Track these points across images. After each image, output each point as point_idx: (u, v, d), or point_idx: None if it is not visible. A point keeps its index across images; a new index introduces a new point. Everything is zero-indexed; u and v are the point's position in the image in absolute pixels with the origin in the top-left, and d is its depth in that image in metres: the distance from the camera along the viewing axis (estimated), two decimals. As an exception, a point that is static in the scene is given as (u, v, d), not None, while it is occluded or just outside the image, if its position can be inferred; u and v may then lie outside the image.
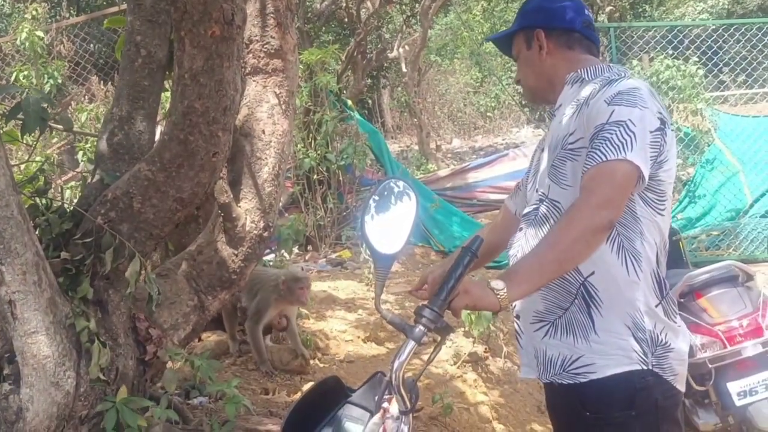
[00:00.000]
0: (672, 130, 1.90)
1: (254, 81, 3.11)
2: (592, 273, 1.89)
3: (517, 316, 2.09)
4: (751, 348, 3.85)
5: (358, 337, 4.60)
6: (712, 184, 8.17)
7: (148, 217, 2.58)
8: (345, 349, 4.40)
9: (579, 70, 2.05)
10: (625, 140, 1.77)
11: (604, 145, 1.78)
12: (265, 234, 3.06)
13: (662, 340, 1.88)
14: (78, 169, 6.31)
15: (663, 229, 1.92)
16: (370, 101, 19.67)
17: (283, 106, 3.13)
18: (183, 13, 2.41)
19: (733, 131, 8.28)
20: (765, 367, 3.83)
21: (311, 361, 3.95)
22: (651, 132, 1.82)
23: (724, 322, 3.87)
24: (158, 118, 3.02)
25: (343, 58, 9.47)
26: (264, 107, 3.10)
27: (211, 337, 4.10)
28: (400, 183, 1.97)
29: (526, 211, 2.08)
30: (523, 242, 2.04)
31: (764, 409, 3.73)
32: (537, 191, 2.04)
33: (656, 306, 1.89)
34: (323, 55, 7.11)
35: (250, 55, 3.08)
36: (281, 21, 3.06)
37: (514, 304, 2.05)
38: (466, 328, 4.46)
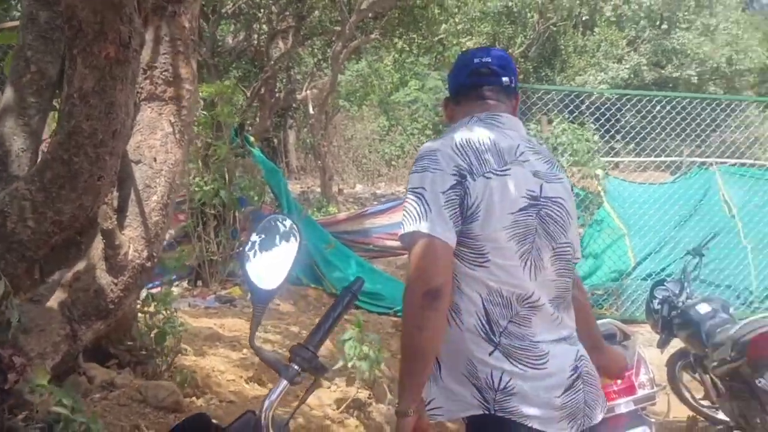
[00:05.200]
0: (487, 178, 1.95)
1: (149, 107, 3.05)
2: None
3: None
4: (624, 405, 3.96)
5: (241, 376, 4.48)
6: (600, 245, 8.48)
7: (21, 239, 2.47)
8: (226, 388, 4.28)
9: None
10: (417, 209, 1.91)
11: (404, 215, 1.93)
12: (148, 264, 2.97)
13: (501, 385, 1.92)
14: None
15: (490, 280, 1.95)
16: (276, 140, 19.63)
17: (178, 135, 3.08)
18: (77, 31, 2.35)
19: (621, 195, 8.64)
20: (635, 424, 3.94)
21: (187, 400, 3.81)
22: (443, 192, 1.91)
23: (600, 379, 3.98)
24: (44, 137, 2.92)
25: (249, 94, 9.42)
26: (158, 135, 3.04)
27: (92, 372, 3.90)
28: (287, 221, 1.95)
29: None
30: None
31: (633, 464, 3.83)
32: None
33: (491, 354, 1.94)
34: (223, 89, 7.05)
35: (147, 81, 3.02)
36: (182, 50, 3.02)
37: None
38: (351, 373, 4.42)
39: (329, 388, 4.60)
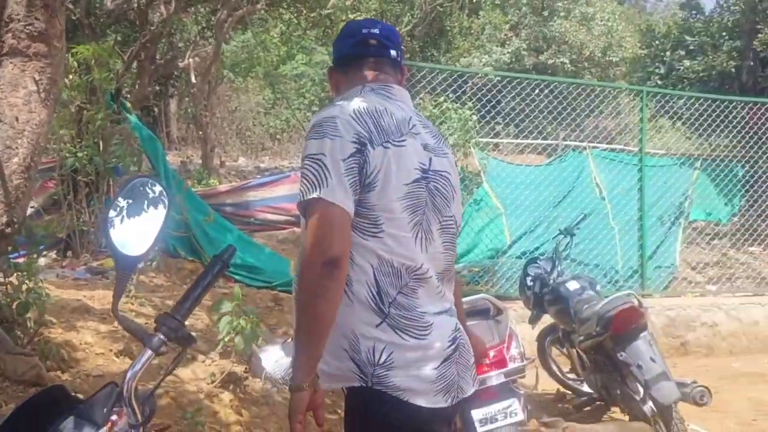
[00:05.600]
0: (385, 147, 1.95)
1: (11, 63, 2.85)
2: None
3: None
4: (495, 378, 4.09)
5: (110, 350, 4.31)
6: (478, 224, 8.66)
7: None
8: (94, 362, 4.11)
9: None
10: (316, 175, 1.87)
11: (302, 182, 1.89)
12: (9, 230, 2.81)
13: (382, 359, 1.93)
14: None
15: (382, 250, 1.95)
16: (156, 109, 18.94)
17: (43, 95, 2.90)
18: (-72, -25, 2.16)
19: (499, 176, 8.85)
20: (505, 396, 4.07)
21: (52, 374, 3.64)
22: (343, 160, 1.89)
23: (473, 352, 4.08)
24: None
25: (126, 58, 9.02)
26: (20, 93, 2.85)
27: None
28: (156, 186, 1.86)
29: None
30: None
31: (501, 436, 3.96)
32: None
33: (378, 326, 1.95)
34: (99, 52, 6.70)
35: (10, 35, 2.82)
36: (48, 3, 2.84)
37: None
38: (228, 348, 4.34)
39: (204, 362, 4.50)
